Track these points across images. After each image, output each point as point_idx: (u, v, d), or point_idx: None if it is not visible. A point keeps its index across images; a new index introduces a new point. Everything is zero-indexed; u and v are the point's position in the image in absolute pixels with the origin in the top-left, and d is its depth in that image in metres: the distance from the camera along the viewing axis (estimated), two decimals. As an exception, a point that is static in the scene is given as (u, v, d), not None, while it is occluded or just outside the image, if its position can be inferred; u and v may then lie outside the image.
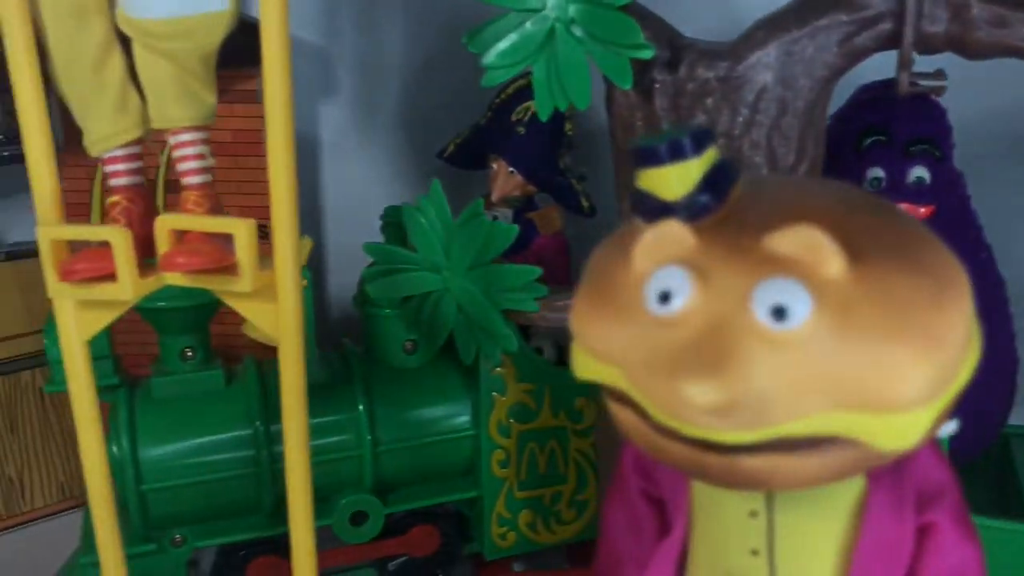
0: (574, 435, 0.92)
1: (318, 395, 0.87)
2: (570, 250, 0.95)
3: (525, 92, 0.92)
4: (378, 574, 0.93)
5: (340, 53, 1.11)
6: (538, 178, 0.91)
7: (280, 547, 0.88)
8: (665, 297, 0.36)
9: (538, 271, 0.78)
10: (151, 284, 0.59)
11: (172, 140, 0.61)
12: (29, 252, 1.04)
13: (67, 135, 1.03)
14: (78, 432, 0.65)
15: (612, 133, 0.77)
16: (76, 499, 1.13)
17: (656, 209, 0.39)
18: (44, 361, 1.08)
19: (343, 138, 1.13)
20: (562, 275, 0.92)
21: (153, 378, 0.84)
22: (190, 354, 0.85)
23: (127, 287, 0.58)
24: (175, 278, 0.59)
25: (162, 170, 1.04)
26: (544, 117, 0.73)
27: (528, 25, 0.71)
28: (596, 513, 0.95)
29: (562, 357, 0.95)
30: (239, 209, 1.04)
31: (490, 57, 0.72)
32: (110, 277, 0.58)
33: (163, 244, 0.59)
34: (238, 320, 0.94)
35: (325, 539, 0.92)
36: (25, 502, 1.10)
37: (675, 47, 0.74)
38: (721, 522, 0.42)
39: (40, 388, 1.08)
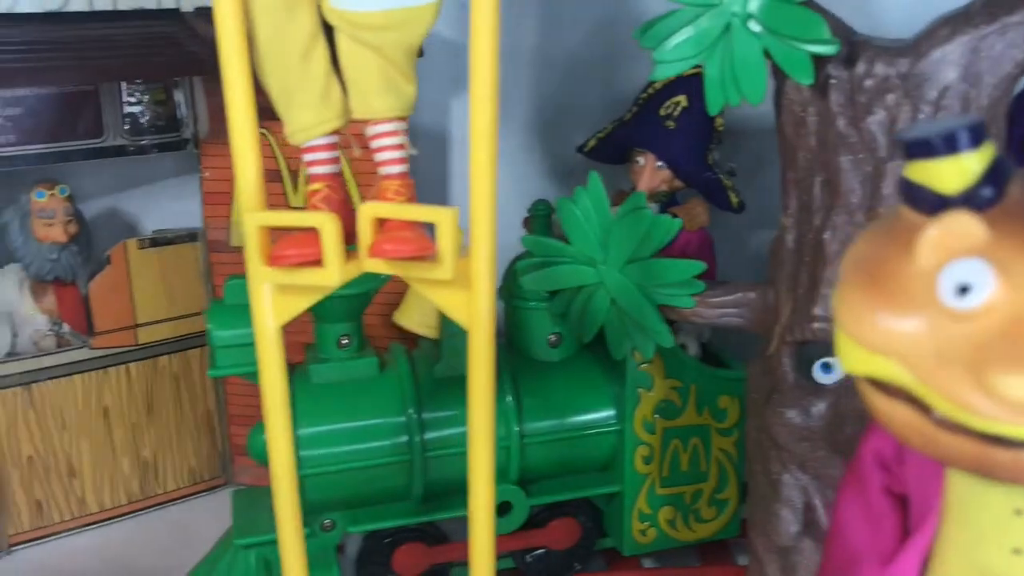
0: (717, 434, 0.92)
1: (463, 386, 0.89)
2: (714, 246, 0.95)
3: (674, 86, 0.92)
4: (515, 565, 0.94)
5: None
6: (687, 173, 0.91)
7: (427, 534, 0.90)
8: (964, 290, 0.36)
9: (703, 266, 0.78)
10: (352, 270, 0.61)
11: (372, 131, 0.62)
12: (171, 239, 1.07)
13: (212, 126, 1.06)
14: (266, 418, 0.67)
15: (780, 129, 0.77)
16: (205, 483, 1.16)
17: (933, 201, 0.39)
18: (182, 347, 1.11)
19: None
20: (708, 271, 0.91)
21: (311, 365, 0.86)
22: (346, 342, 0.86)
23: (334, 273, 0.59)
24: (376, 265, 0.60)
25: (281, 162, 1.06)
26: (714, 112, 0.73)
27: (704, 20, 0.71)
28: (735, 513, 0.95)
29: (705, 354, 0.95)
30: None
31: (663, 52, 0.72)
32: (315, 263, 0.59)
33: (366, 232, 0.60)
34: (373, 311, 0.96)
35: (463, 529, 0.93)
36: (158, 484, 1.12)
37: (851, 43, 0.73)
38: (980, 519, 0.42)
39: (175, 373, 1.11)
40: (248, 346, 0.83)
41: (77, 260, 1.01)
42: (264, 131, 1.04)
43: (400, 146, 0.62)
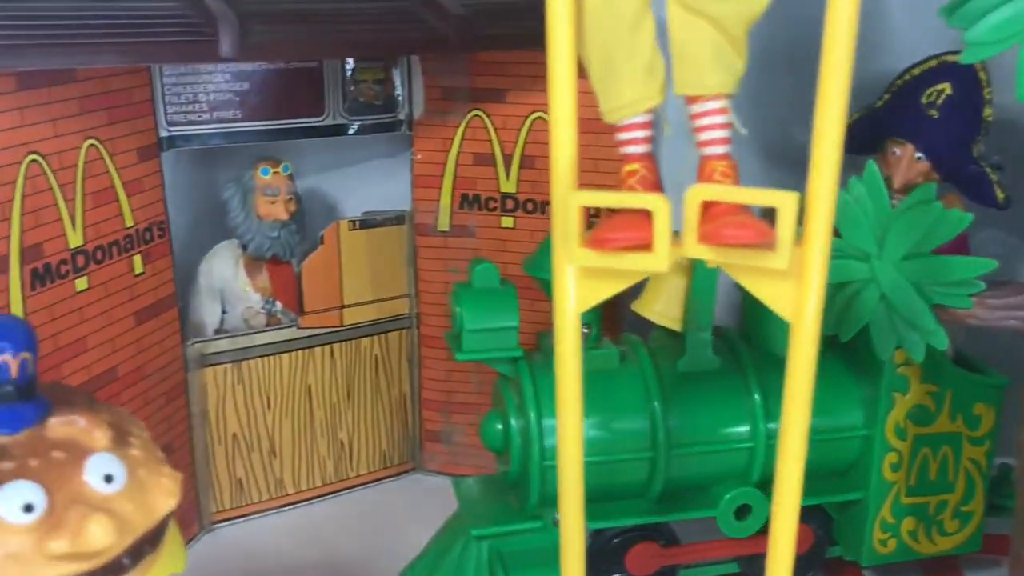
0: (968, 443, 0.86)
1: (711, 382, 0.85)
2: (969, 242, 0.90)
3: (936, 73, 0.86)
4: (742, 570, 0.90)
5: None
6: (949, 166, 0.86)
7: (660, 534, 0.86)
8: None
9: (992, 264, 0.73)
10: (673, 256, 0.57)
11: (698, 108, 0.59)
12: (380, 222, 1.05)
13: (427, 107, 1.04)
14: (559, 406, 0.64)
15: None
16: (395, 467, 1.14)
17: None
18: (383, 329, 1.09)
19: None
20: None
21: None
22: (586, 331, 0.83)
23: (663, 259, 0.56)
24: (701, 251, 0.57)
25: (496, 147, 1.04)
26: (1023, 99, 0.68)
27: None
28: (979, 526, 0.89)
29: (957, 359, 0.90)
30: (595, 188, 1.04)
31: (976, 32, 0.67)
32: (641, 247, 0.56)
33: (692, 216, 0.57)
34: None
35: (692, 531, 0.90)
36: (352, 467, 1.11)
37: None
38: None
39: (376, 355, 1.09)
40: (496, 331, 0.82)
41: (295, 239, 1.00)
42: (480, 113, 1.03)
43: (728, 124, 0.58)
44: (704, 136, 0.59)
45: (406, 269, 1.08)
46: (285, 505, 1.07)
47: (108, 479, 0.48)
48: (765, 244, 0.56)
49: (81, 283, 0.84)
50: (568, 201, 0.58)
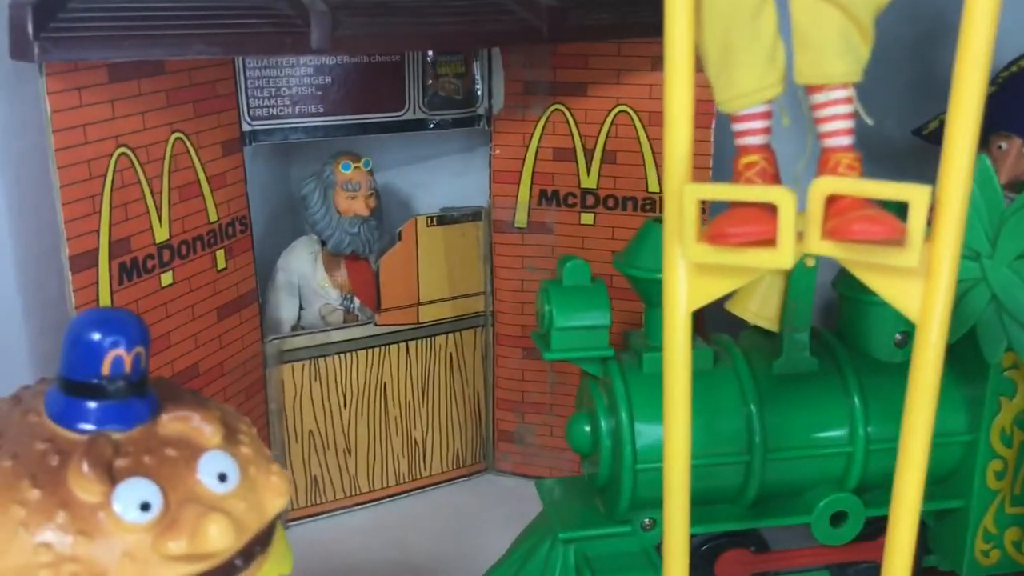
0: (1078, 450, 0.83)
1: (808, 384, 0.82)
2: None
3: (1045, 66, 0.83)
4: (834, 579, 0.88)
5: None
6: (1060, 161, 0.82)
7: (751, 541, 0.84)
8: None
9: (1116, 264, 0.70)
10: (796, 252, 0.55)
11: (822, 97, 0.56)
12: (457, 218, 1.04)
13: (506, 101, 1.02)
14: (666, 408, 0.62)
15: None
16: (467, 468, 1.13)
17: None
18: (458, 327, 1.08)
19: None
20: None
21: (644, 353, 0.81)
22: (679, 331, 0.81)
23: (787, 255, 0.53)
24: (826, 247, 0.54)
25: (577, 141, 1.01)
26: None
27: None
28: (1087, 537, 0.86)
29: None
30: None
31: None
32: (763, 243, 0.54)
33: (816, 210, 0.54)
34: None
35: (781, 537, 0.87)
36: (425, 467, 1.10)
37: None
38: None
39: (450, 354, 1.08)
40: (587, 329, 0.80)
41: (374, 235, 0.99)
42: (561, 107, 1.02)
43: (852, 115, 0.56)
44: (828, 127, 0.56)
45: (482, 266, 1.07)
46: (359, 504, 1.06)
47: (222, 478, 0.47)
48: (894, 240, 0.53)
49: (166, 278, 0.83)
50: (684, 194, 0.56)
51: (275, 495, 0.50)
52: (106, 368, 0.46)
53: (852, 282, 0.84)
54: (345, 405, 1.03)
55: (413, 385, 1.06)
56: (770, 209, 0.55)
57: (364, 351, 1.03)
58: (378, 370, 1.04)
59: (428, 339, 1.06)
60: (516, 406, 1.10)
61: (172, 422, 0.48)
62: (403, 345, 1.05)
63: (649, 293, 0.80)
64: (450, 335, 1.07)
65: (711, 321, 0.88)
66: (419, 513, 1.08)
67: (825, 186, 0.54)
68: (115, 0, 0.71)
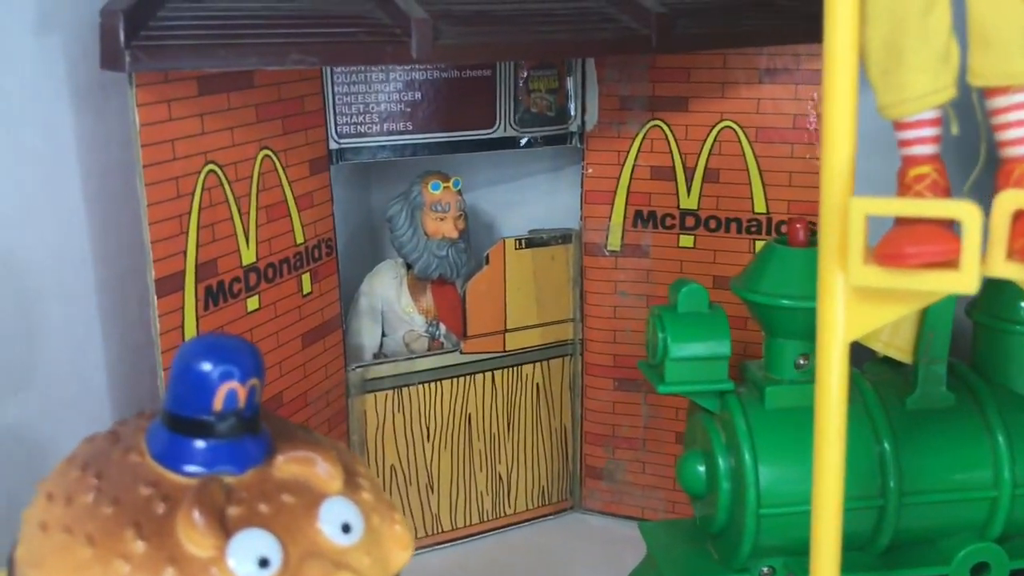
0: None
1: (946, 421, 0.75)
2: None
3: None
4: (969, 636, 0.80)
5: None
6: None
7: (882, 594, 0.77)
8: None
9: None
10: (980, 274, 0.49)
11: (1004, 101, 0.50)
12: (546, 240, 0.98)
13: (601, 118, 0.97)
14: (817, 446, 0.55)
15: None
16: (552, 505, 1.06)
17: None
18: (545, 355, 1.02)
19: (882, 128, 1.00)
20: None
21: (766, 387, 0.74)
22: (804, 362, 0.74)
23: (972, 278, 0.47)
24: (1011, 269, 0.48)
25: (677, 158, 0.95)
26: None
27: None
28: None
29: None
30: (787, 204, 0.96)
31: None
32: (943, 264, 0.48)
33: (1002, 228, 0.48)
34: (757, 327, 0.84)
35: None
36: (509, 504, 1.04)
37: None
38: None
39: (537, 383, 1.02)
40: (705, 361, 0.74)
41: (462, 258, 0.93)
42: (660, 123, 0.96)
43: (1039, 121, 0.50)
44: (1010, 134, 0.50)
45: (572, 291, 1.01)
46: (440, 543, 1.00)
47: (346, 529, 0.41)
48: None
49: (252, 302, 0.79)
50: (850, 209, 0.50)
51: (400, 548, 0.44)
52: (218, 403, 0.41)
53: (992, 309, 0.78)
54: (428, 438, 0.97)
55: (498, 417, 1.01)
56: (947, 226, 0.49)
57: (449, 380, 0.97)
58: (463, 400, 0.98)
59: (515, 368, 1.01)
60: (606, 440, 1.04)
61: (289, 464, 0.43)
62: (489, 374, 0.99)
63: (772, 321, 0.74)
64: (537, 364, 1.02)
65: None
66: (504, 555, 1.01)
67: (1011, 201, 0.48)
68: (207, 8, 0.67)
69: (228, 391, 0.41)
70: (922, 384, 0.74)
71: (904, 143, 0.52)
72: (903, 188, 0.52)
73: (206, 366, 0.41)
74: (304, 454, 0.42)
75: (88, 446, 0.44)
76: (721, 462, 0.73)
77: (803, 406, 0.74)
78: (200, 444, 0.41)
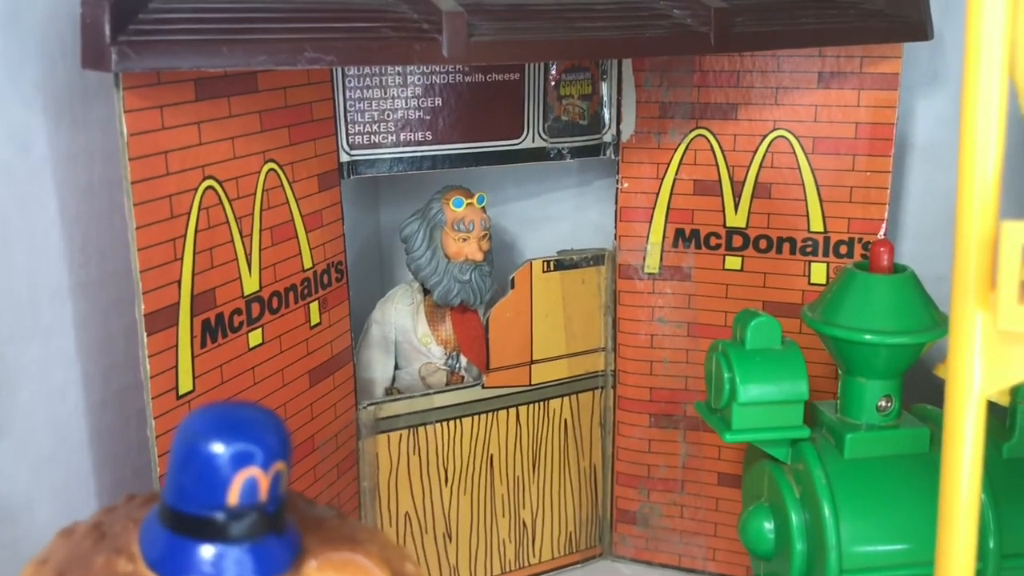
0: None
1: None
2: None
3: None
4: None
5: (952, 34, 0.89)
6: None
7: (977, 667, 0.68)
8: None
9: None
10: None
11: None
12: (576, 262, 0.89)
13: (638, 128, 0.88)
14: (942, 508, 0.46)
15: None
16: (580, 553, 0.97)
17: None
18: (574, 389, 0.93)
19: (944, 139, 0.92)
20: None
21: (847, 434, 0.65)
22: (885, 404, 0.66)
23: None
24: None
25: (724, 171, 0.86)
26: None
27: None
28: None
29: None
30: (847, 222, 0.87)
31: None
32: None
33: None
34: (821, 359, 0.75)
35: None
36: (534, 553, 0.95)
37: None
38: None
39: (565, 419, 0.93)
40: (778, 405, 0.65)
41: (486, 282, 0.84)
42: (705, 132, 0.87)
43: None
44: None
45: (604, 318, 0.92)
46: (459, 596, 0.91)
47: (399, 657, 0.32)
48: None
49: (255, 337, 0.69)
50: (1002, 235, 0.40)
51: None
52: (233, 496, 0.31)
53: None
54: (447, 482, 0.88)
55: (523, 457, 0.91)
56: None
57: (469, 418, 0.88)
58: (484, 440, 0.89)
59: (541, 403, 0.91)
60: (640, 482, 0.94)
61: (324, 570, 0.33)
62: (513, 411, 0.90)
63: (851, 357, 0.65)
64: (566, 398, 0.92)
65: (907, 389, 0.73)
66: (527, 606, 0.92)
67: None
68: (209, 0, 0.58)
69: (246, 480, 0.31)
70: (1021, 429, 0.66)
71: None
72: (1060, 211, 0.43)
73: (217, 448, 0.31)
74: (343, 557, 0.33)
75: (64, 544, 0.34)
76: (794, 519, 0.64)
77: (887, 455, 0.66)
78: (210, 550, 0.32)
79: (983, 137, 0.42)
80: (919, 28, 0.78)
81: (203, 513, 0.31)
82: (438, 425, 0.86)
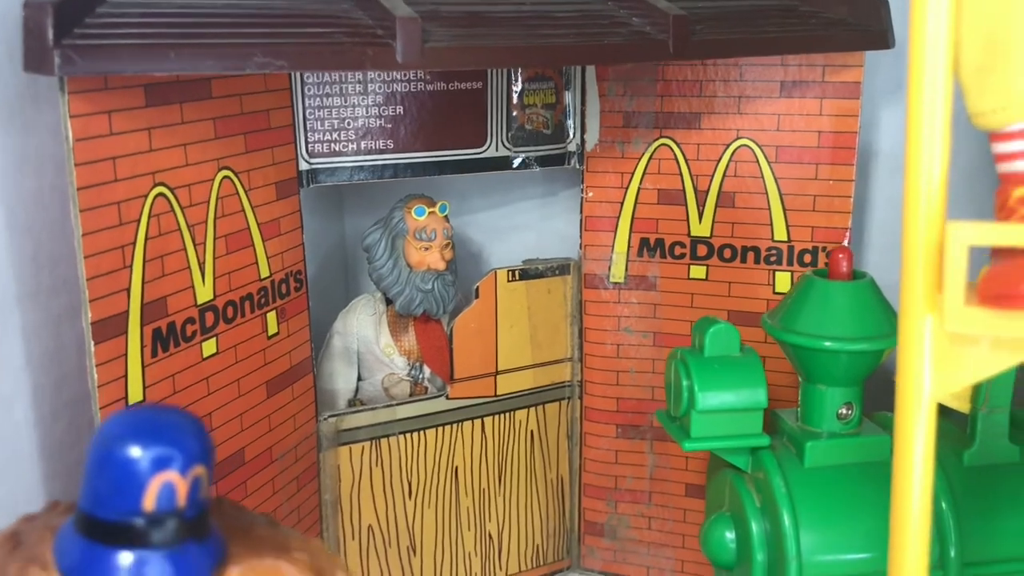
0: None
1: (1011, 478, 0.66)
2: None
3: None
4: None
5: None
6: None
7: None
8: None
9: None
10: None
11: None
12: (542, 271, 0.89)
13: (602, 136, 0.88)
14: (893, 514, 0.46)
15: None
16: (548, 566, 0.96)
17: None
18: (540, 399, 0.92)
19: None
20: None
21: (807, 441, 0.65)
22: (846, 412, 0.65)
23: (1108, 323, 0.38)
24: None
25: (688, 180, 0.86)
26: None
27: None
28: None
29: None
30: (811, 230, 0.87)
31: None
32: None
33: None
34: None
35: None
36: (500, 566, 0.93)
37: None
38: None
39: (531, 430, 0.92)
40: (738, 413, 0.64)
41: (449, 292, 0.83)
42: (668, 142, 0.87)
43: None
44: None
45: (570, 328, 0.91)
46: (424, 611, 0.90)
47: (322, 667, 0.31)
48: None
49: (209, 347, 0.68)
50: (948, 237, 0.40)
51: None
52: (149, 501, 0.30)
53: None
54: (410, 495, 0.87)
55: (488, 469, 0.90)
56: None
57: (433, 429, 0.87)
58: (449, 452, 0.88)
59: (507, 414, 0.90)
60: (608, 493, 0.93)
61: (246, 579, 0.32)
62: (478, 422, 0.89)
63: (811, 364, 0.65)
64: (532, 409, 0.91)
65: (868, 396, 0.72)
66: (494, 621, 0.91)
67: None
68: (156, 1, 0.57)
69: (163, 485, 0.30)
70: (981, 436, 0.65)
71: (1003, 157, 0.43)
72: (1005, 212, 0.43)
73: (133, 451, 0.30)
74: (267, 565, 0.32)
75: (-21, 553, 0.33)
76: (755, 528, 0.64)
77: (848, 463, 0.65)
78: (126, 557, 0.31)
79: (929, 138, 0.41)
80: (881, 37, 0.78)
81: (119, 519, 0.31)
82: (401, 437, 0.85)
